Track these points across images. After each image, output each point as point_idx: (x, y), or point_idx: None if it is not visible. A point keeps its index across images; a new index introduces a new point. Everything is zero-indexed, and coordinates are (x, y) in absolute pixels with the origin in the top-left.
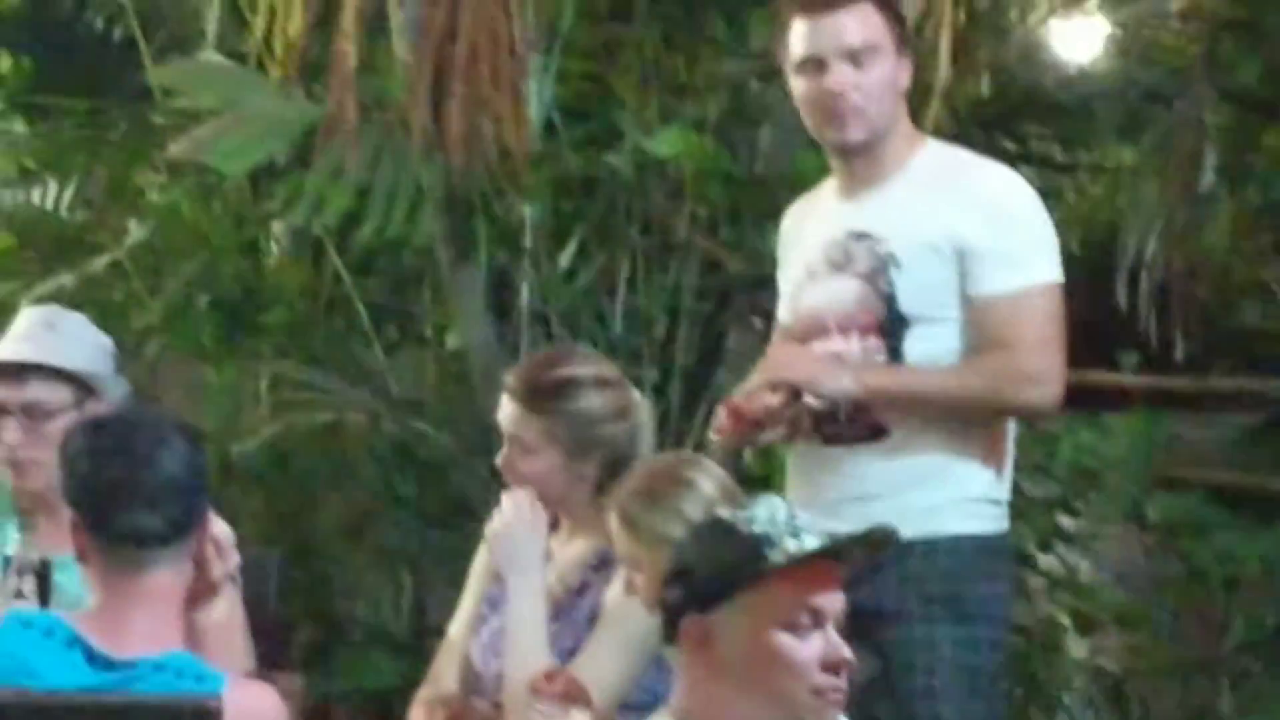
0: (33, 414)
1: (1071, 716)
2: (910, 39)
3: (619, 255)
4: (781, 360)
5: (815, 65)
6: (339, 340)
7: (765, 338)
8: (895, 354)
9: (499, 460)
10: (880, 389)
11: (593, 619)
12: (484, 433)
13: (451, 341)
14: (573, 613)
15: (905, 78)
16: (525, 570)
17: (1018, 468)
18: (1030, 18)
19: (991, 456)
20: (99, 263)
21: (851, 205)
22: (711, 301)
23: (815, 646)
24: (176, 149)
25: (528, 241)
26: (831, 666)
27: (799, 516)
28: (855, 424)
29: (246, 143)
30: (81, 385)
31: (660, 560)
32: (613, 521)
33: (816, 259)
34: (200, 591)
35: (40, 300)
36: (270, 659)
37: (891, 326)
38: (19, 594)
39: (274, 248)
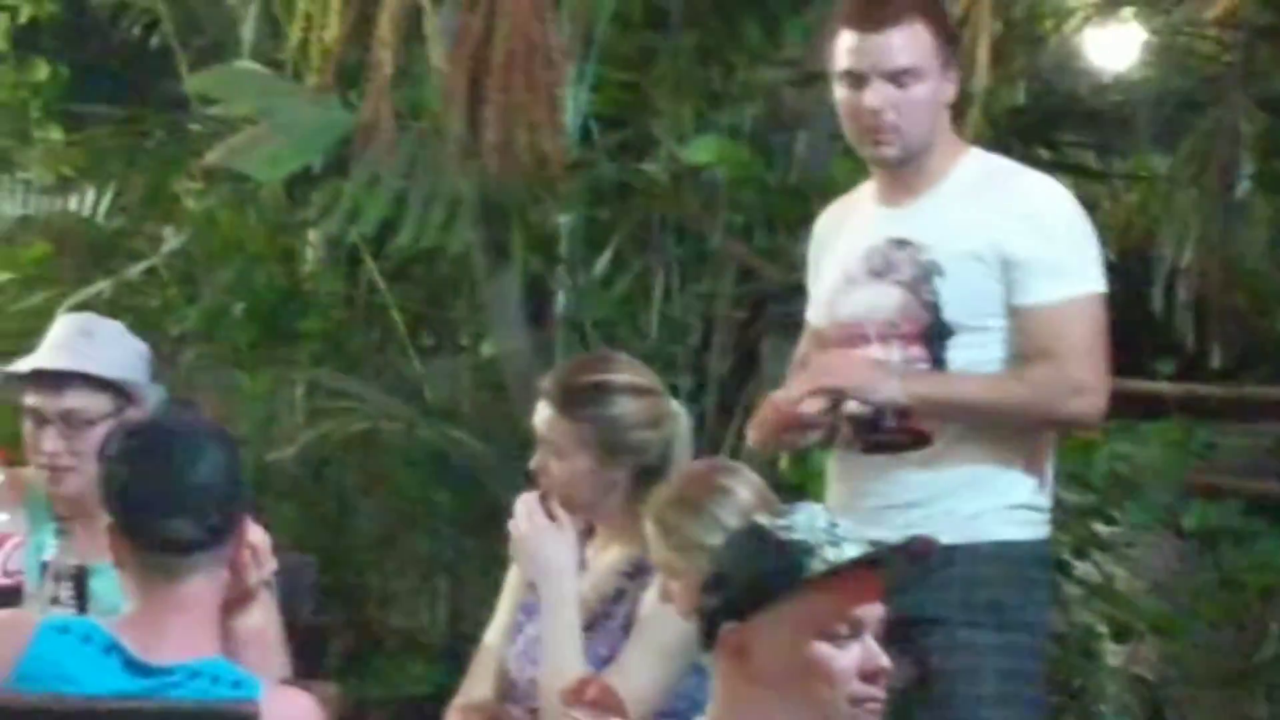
0: (72, 422)
1: None
2: (958, 51)
3: (654, 263)
4: (830, 366)
5: (856, 80)
6: (374, 348)
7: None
8: (938, 363)
9: (533, 464)
10: (926, 396)
11: (628, 627)
12: (519, 440)
13: (487, 349)
14: (608, 621)
15: (951, 91)
16: (555, 578)
17: (1054, 476)
18: (1065, 26)
19: (1033, 464)
20: (135, 270)
21: (892, 212)
22: (746, 309)
23: (853, 656)
24: (213, 157)
25: (563, 249)
26: (870, 676)
27: (839, 524)
28: (898, 431)
29: (282, 150)
30: (120, 393)
31: (696, 567)
32: (649, 528)
33: (856, 265)
34: (237, 598)
35: (77, 307)
36: (305, 666)
37: (934, 335)
38: (56, 600)
39: (310, 255)
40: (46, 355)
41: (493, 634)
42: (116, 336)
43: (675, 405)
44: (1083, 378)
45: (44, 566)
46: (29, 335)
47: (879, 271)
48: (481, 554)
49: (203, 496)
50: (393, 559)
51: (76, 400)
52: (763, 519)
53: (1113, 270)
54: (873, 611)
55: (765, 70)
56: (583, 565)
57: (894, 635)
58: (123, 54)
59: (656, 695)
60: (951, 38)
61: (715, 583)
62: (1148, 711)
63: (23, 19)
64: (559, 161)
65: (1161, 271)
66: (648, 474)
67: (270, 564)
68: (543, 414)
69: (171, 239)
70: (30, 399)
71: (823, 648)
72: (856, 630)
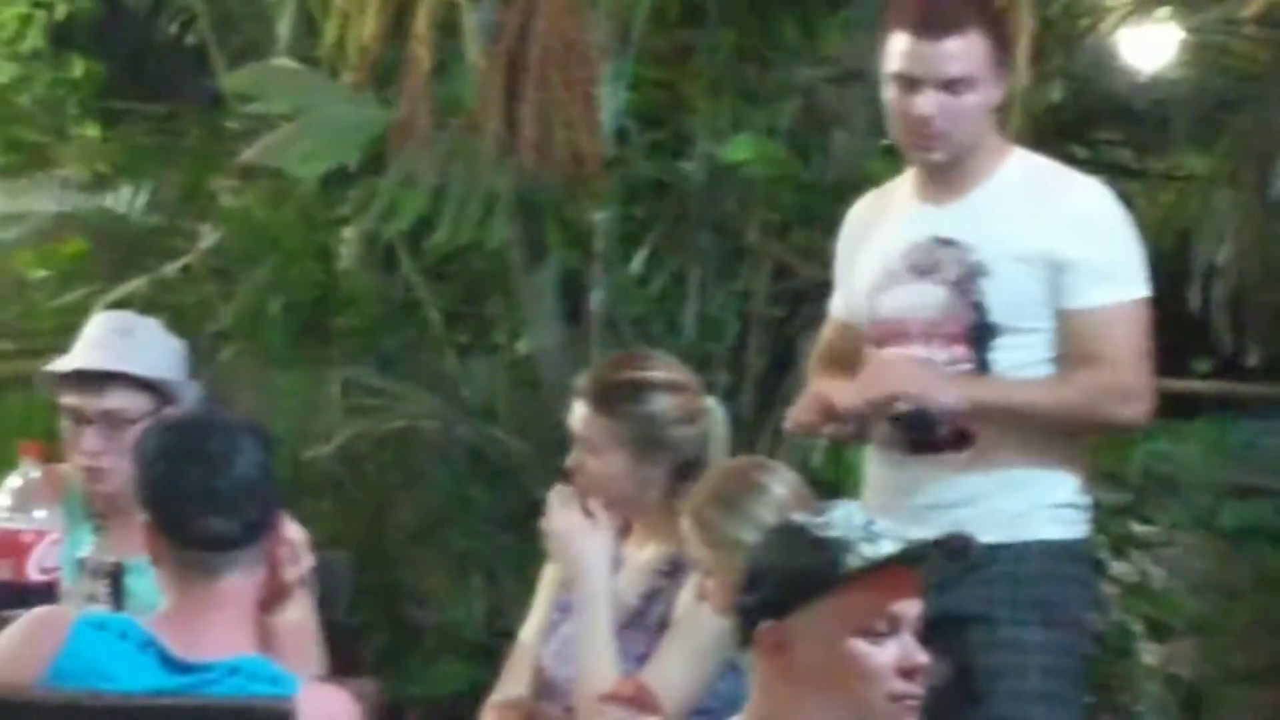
0: (112, 422)
1: None
2: (1010, 56)
3: (690, 261)
4: (890, 371)
5: (909, 84)
6: (411, 345)
7: None
8: (981, 363)
9: (569, 462)
10: (982, 401)
11: (664, 625)
12: (555, 438)
13: (523, 346)
14: (644, 619)
15: (1000, 94)
16: (589, 574)
17: (1091, 474)
18: (1102, 26)
19: (1074, 463)
20: (172, 267)
21: (935, 210)
22: (783, 307)
23: (891, 653)
24: (249, 154)
25: (599, 247)
26: (908, 672)
27: (875, 522)
28: (942, 431)
29: (319, 147)
30: (159, 392)
31: (732, 565)
32: (686, 526)
33: (897, 262)
34: (273, 595)
35: (113, 304)
36: (341, 663)
37: (979, 336)
38: (92, 597)
39: (345, 253)
40: (86, 355)
41: (529, 632)
42: (155, 335)
43: (711, 402)
44: (1132, 383)
45: (80, 563)
46: (64, 332)
47: (922, 270)
48: (517, 551)
49: (239, 493)
50: (428, 556)
51: (117, 400)
52: (799, 516)
53: (1149, 269)
54: (910, 608)
55: (802, 68)
56: (618, 562)
57: (936, 633)
58: (159, 51)
59: (692, 693)
60: (1005, 43)
61: (752, 580)
62: (1184, 710)
63: (59, 16)
64: (595, 159)
65: (1198, 270)
66: (684, 471)
67: (307, 561)
68: (578, 412)
69: (208, 236)
70: (69, 398)
71: (860, 645)
72: (894, 627)
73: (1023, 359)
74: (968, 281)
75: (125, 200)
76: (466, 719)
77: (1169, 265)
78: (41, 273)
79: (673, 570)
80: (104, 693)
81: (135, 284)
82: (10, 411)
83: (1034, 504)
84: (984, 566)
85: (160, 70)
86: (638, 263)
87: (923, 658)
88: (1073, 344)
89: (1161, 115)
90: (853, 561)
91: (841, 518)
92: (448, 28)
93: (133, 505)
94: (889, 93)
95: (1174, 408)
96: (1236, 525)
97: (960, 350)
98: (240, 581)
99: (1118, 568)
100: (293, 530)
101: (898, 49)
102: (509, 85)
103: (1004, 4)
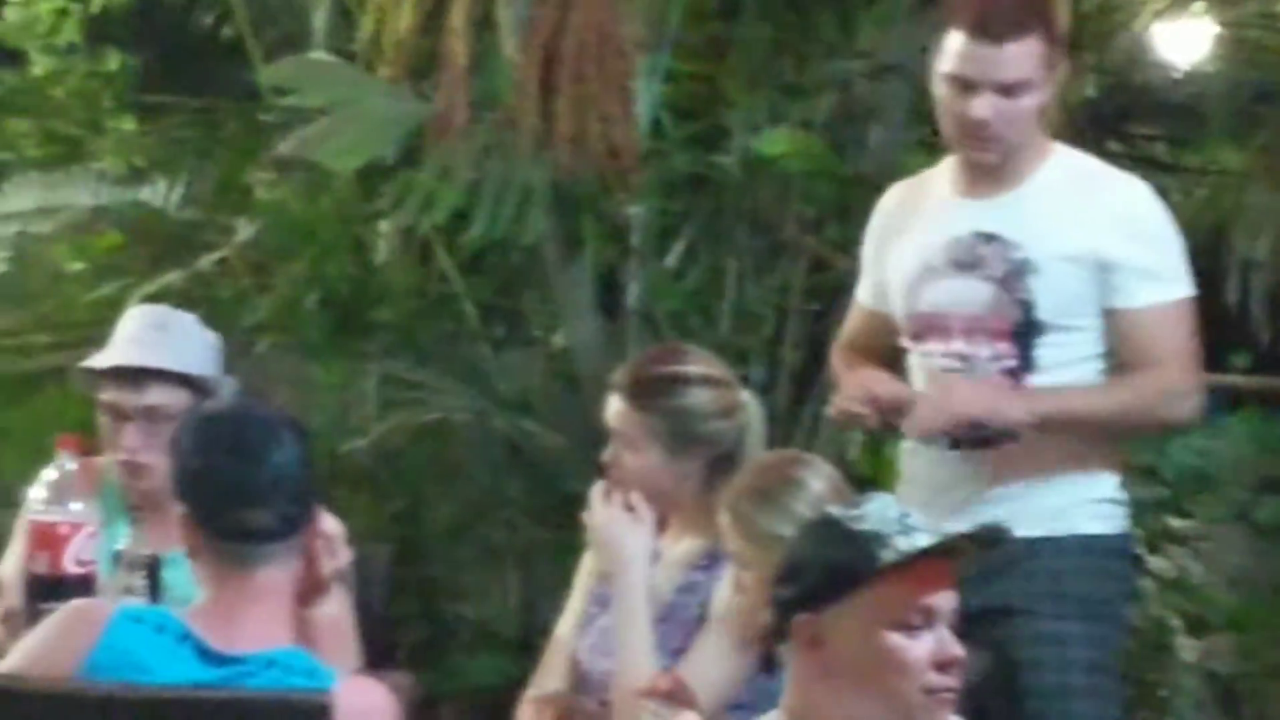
0: (152, 418)
1: (1182, 719)
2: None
3: (727, 255)
4: (958, 394)
5: (966, 86)
6: (447, 339)
7: None
8: (1025, 360)
9: (605, 457)
10: (1048, 414)
11: (701, 618)
12: (592, 432)
13: (559, 340)
14: (681, 612)
15: (1050, 93)
16: (627, 567)
17: (1127, 469)
18: (1137, 20)
19: (1112, 458)
20: (207, 260)
21: (977, 205)
22: (819, 301)
23: (927, 646)
24: (285, 147)
25: (635, 241)
26: (943, 666)
27: (910, 514)
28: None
29: (355, 141)
30: (197, 388)
31: (769, 559)
32: (723, 519)
33: (936, 256)
34: (310, 588)
35: (148, 298)
36: (377, 657)
37: (1025, 332)
38: (128, 589)
39: (382, 246)
40: (125, 351)
41: (565, 625)
42: (192, 330)
43: (747, 395)
44: (1186, 382)
45: (117, 556)
46: (100, 325)
47: (965, 265)
48: (553, 546)
49: (277, 486)
50: (464, 550)
51: (158, 397)
52: (835, 509)
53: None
54: (945, 601)
55: (839, 62)
56: (655, 556)
57: (977, 627)
58: (195, 45)
59: (729, 687)
60: (1059, 43)
61: (788, 573)
62: (1222, 705)
63: (95, 9)
64: (631, 153)
65: (1235, 265)
66: (720, 465)
67: (345, 554)
68: (614, 407)
69: (244, 230)
70: (108, 395)
71: (896, 638)
72: (930, 620)
73: (1067, 356)
74: (1014, 278)
75: (161, 193)
76: (502, 713)
77: (1204, 260)
78: (77, 266)
79: (709, 564)
80: (140, 685)
81: (171, 277)
82: (46, 404)
83: (1073, 499)
84: (1024, 561)
85: (196, 63)
86: (674, 256)
87: (958, 651)
88: (1123, 344)
89: (1196, 110)
90: (887, 555)
91: (876, 511)
92: (484, 21)
93: (169, 498)
94: (942, 91)
95: (1211, 402)
96: (1274, 520)
97: (1004, 346)
98: (277, 574)
99: (1155, 563)
100: (330, 524)
101: (954, 49)
102: (545, 79)
103: None
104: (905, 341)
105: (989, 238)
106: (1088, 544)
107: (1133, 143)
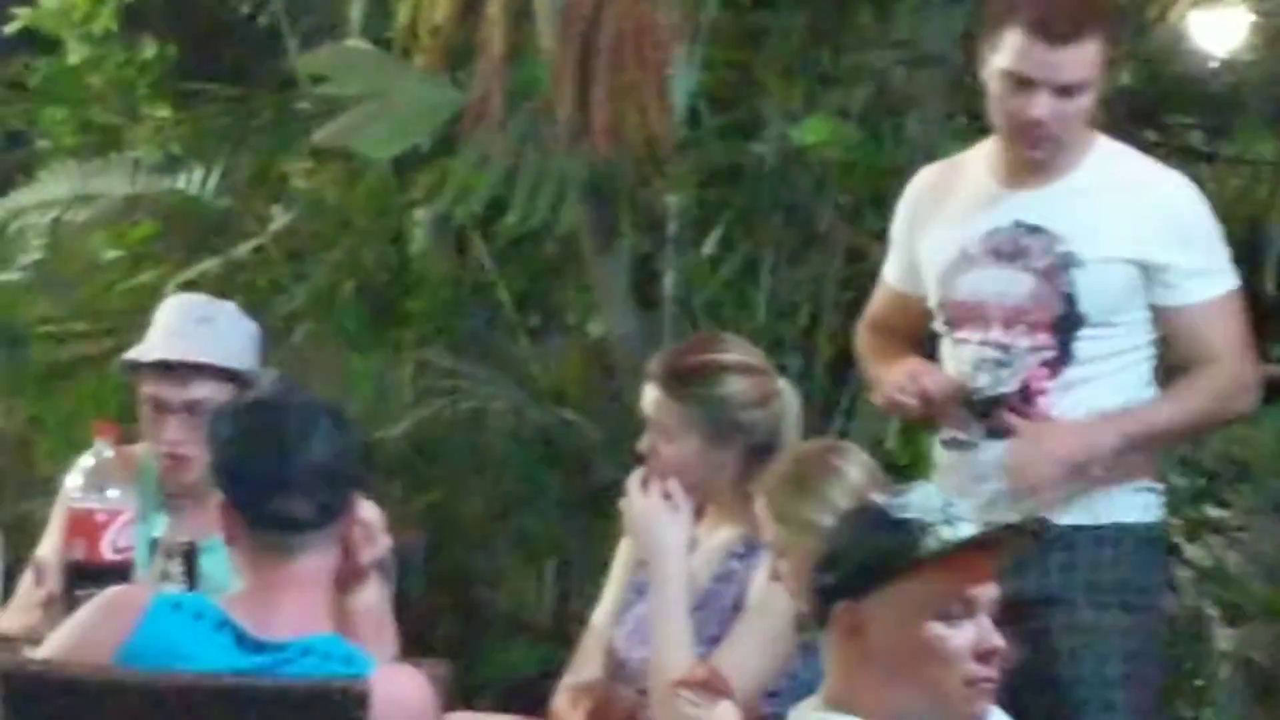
0: (195, 411)
1: (1218, 708)
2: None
3: (763, 244)
4: (1060, 440)
5: (1021, 83)
6: (483, 328)
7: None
8: (1065, 352)
9: (641, 446)
10: (1134, 435)
11: (737, 607)
12: (627, 421)
13: (595, 330)
14: (717, 601)
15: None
16: (664, 555)
17: (1165, 459)
18: (1173, 9)
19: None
20: (243, 248)
21: (1019, 195)
22: (855, 290)
23: (968, 635)
24: (321, 135)
25: (671, 230)
26: (984, 655)
27: (953, 504)
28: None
29: (391, 130)
30: (241, 381)
31: (806, 548)
32: (760, 508)
33: (975, 245)
34: (348, 576)
35: (184, 286)
36: (413, 646)
37: (1065, 325)
38: (166, 576)
39: (417, 235)
40: (168, 344)
41: (601, 614)
42: (235, 322)
43: (783, 384)
44: (1248, 375)
45: (154, 543)
46: (136, 313)
47: (1007, 255)
48: (589, 535)
49: (315, 474)
50: (500, 540)
51: (201, 391)
52: (878, 497)
53: None
54: (987, 591)
55: (876, 52)
56: (692, 544)
57: (1014, 615)
58: (231, 33)
59: (765, 676)
60: (1116, 41)
61: (830, 560)
62: (1258, 695)
63: None
64: (667, 142)
65: (1273, 255)
66: (757, 453)
67: (383, 543)
68: (650, 396)
69: (280, 218)
70: (152, 387)
71: (937, 627)
72: (971, 610)
73: (1105, 349)
74: (1058, 271)
75: (197, 182)
76: (538, 702)
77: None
78: (113, 254)
79: (746, 552)
80: (178, 672)
81: (207, 265)
82: (83, 392)
83: (1111, 488)
84: (1061, 550)
85: (232, 52)
86: (710, 246)
87: (999, 641)
88: (1178, 342)
89: (1232, 99)
90: (931, 544)
91: (920, 500)
92: (521, 10)
93: (207, 486)
94: (998, 88)
95: None
96: None
97: (1043, 337)
98: (315, 562)
99: (1192, 552)
100: (369, 512)
101: (1013, 46)
102: (581, 68)
103: None
104: (939, 327)
105: (1032, 229)
106: (1125, 532)
107: (1169, 132)
